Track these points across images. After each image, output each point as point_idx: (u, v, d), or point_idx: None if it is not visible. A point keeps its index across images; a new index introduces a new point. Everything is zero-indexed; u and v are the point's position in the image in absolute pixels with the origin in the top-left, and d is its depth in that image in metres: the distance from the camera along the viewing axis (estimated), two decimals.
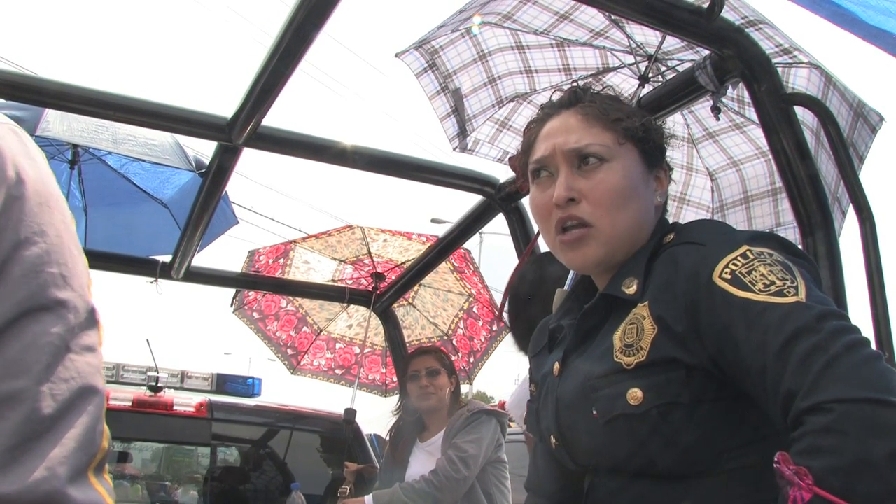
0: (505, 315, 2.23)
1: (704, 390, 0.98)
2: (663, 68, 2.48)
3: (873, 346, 0.89)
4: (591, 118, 1.17)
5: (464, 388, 3.61)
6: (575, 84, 1.28)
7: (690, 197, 2.76)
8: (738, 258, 0.97)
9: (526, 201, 2.61)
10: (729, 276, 0.95)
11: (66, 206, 0.62)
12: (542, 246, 1.71)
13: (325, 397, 5.31)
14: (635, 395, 0.99)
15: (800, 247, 1.56)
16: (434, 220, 18.73)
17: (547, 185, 1.17)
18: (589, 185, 1.12)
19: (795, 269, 0.96)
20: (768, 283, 0.93)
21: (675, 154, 2.56)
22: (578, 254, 1.14)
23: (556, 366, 1.17)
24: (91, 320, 0.60)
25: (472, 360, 4.11)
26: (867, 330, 1.48)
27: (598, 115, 1.17)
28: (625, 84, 2.54)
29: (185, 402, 3.83)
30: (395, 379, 4.19)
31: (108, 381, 4.07)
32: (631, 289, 1.08)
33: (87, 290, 0.61)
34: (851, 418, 0.79)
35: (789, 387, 0.85)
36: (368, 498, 2.76)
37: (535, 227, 1.56)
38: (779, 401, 0.87)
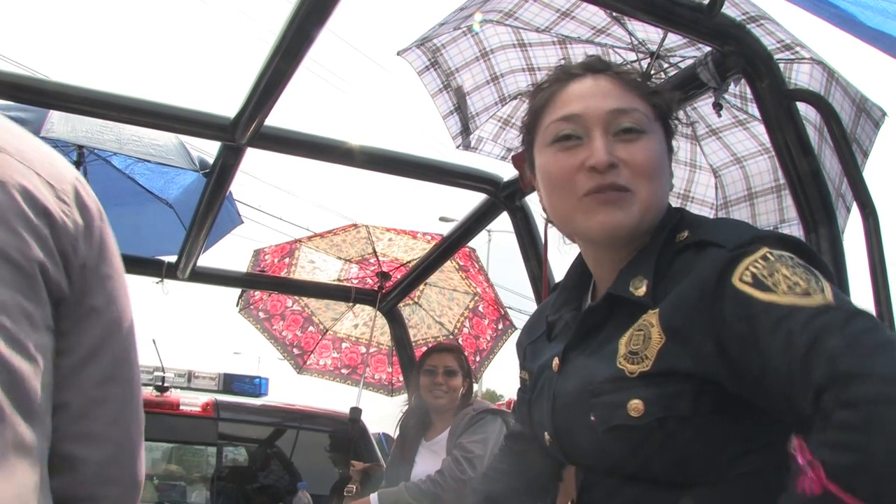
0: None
1: (709, 402, 0.93)
2: (665, 65, 2.47)
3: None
4: (629, 85, 1.08)
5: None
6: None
7: (694, 194, 2.75)
8: (759, 260, 0.91)
9: (530, 199, 2.60)
10: (750, 280, 0.89)
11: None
12: (550, 245, 1.69)
13: (333, 397, 5.32)
14: (637, 406, 0.95)
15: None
16: (442, 219, 18.75)
17: (572, 148, 1.07)
18: (628, 152, 1.04)
19: (818, 272, 0.91)
20: (792, 283, 0.87)
21: (678, 151, 2.55)
22: (612, 216, 1.03)
23: (556, 361, 1.14)
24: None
25: (477, 358, 4.11)
26: None
27: (636, 84, 1.08)
28: None
29: (192, 401, 3.85)
30: (401, 378, 4.20)
31: None
32: (640, 290, 1.02)
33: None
34: (878, 420, 0.72)
35: (818, 382, 0.78)
36: (374, 496, 2.76)
37: (542, 227, 1.52)
38: (808, 398, 0.79)
